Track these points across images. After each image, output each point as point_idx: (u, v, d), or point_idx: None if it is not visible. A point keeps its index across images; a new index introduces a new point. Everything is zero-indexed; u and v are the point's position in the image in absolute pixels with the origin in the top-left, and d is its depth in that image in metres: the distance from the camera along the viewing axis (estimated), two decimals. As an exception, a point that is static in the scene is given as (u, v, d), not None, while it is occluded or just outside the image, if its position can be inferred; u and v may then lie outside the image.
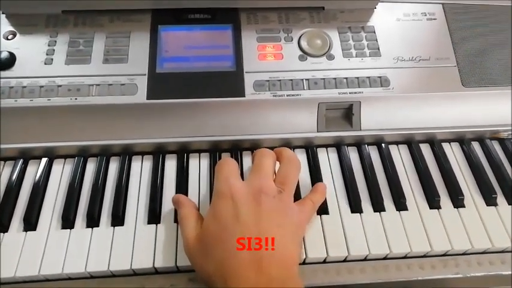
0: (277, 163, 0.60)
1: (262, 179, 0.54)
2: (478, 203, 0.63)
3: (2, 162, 0.65)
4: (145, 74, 0.66)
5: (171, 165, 0.66)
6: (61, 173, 0.64)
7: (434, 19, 0.74)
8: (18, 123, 0.64)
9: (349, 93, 0.67)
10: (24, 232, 0.58)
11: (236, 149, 0.67)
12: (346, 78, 0.68)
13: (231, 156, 0.66)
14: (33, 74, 0.65)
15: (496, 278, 0.58)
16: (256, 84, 0.67)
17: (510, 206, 0.63)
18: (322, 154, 0.68)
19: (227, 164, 0.57)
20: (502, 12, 0.75)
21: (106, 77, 0.66)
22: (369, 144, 0.69)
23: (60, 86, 0.65)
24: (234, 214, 0.50)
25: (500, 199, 0.64)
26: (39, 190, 0.62)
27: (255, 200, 0.51)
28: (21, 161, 0.64)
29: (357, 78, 0.68)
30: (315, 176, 0.64)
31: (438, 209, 0.62)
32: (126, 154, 0.66)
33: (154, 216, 0.59)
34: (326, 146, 0.69)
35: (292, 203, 0.55)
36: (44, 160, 0.65)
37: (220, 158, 0.66)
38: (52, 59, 0.66)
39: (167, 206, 0.61)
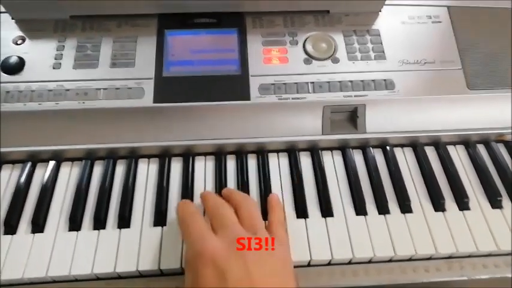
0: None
1: (234, 230, 0.51)
2: (484, 206, 0.63)
3: (11, 165, 0.66)
4: (152, 78, 0.67)
5: (176, 168, 0.66)
6: (68, 175, 0.65)
7: (439, 22, 0.74)
8: (27, 127, 0.65)
9: (354, 96, 0.67)
10: (32, 234, 0.58)
11: (241, 152, 0.67)
12: (351, 81, 0.68)
13: (236, 160, 0.67)
14: (41, 78, 0.66)
15: (501, 281, 0.58)
16: (262, 88, 0.67)
17: (516, 208, 0.63)
18: (327, 157, 0.68)
19: (191, 216, 0.54)
20: (507, 15, 0.75)
21: (113, 81, 0.66)
22: (374, 147, 0.69)
23: (68, 90, 0.65)
24: (222, 278, 0.45)
25: (506, 202, 0.63)
26: (47, 193, 0.62)
27: (237, 254, 0.47)
28: (29, 164, 0.65)
29: (362, 81, 0.68)
30: (320, 178, 0.65)
31: (443, 212, 0.62)
32: (133, 157, 0.66)
33: (160, 218, 0.60)
34: (331, 148, 0.69)
35: (270, 239, 0.51)
36: (52, 163, 0.65)
37: (225, 161, 0.67)
38: (60, 64, 0.67)
39: (173, 208, 0.61)
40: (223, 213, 0.54)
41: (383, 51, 0.71)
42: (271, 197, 0.61)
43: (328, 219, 0.60)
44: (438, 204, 0.62)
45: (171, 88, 0.67)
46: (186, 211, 0.55)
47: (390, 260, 0.58)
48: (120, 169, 0.66)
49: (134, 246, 0.57)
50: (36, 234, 0.58)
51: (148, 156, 0.67)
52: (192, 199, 0.62)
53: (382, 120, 0.68)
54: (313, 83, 0.68)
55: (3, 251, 0.57)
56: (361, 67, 0.69)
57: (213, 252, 0.47)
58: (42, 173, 0.65)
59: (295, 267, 0.55)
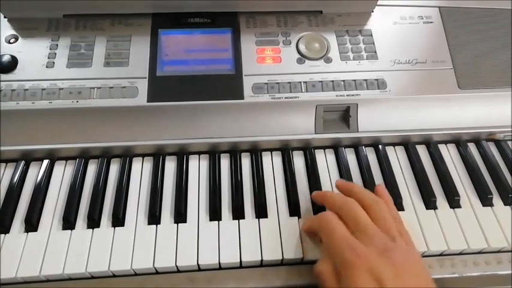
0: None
1: (378, 237, 0.50)
2: (474, 204, 0.64)
3: (4, 164, 0.66)
4: (145, 77, 0.67)
5: (170, 166, 0.66)
6: (62, 174, 0.65)
7: (431, 22, 0.75)
8: (20, 126, 0.64)
9: (347, 95, 0.68)
10: (26, 233, 0.58)
11: (235, 151, 0.68)
12: (343, 80, 0.69)
13: (230, 159, 0.67)
14: (35, 77, 0.66)
15: (492, 278, 0.59)
16: (255, 87, 0.67)
17: (506, 206, 0.64)
18: (319, 155, 0.69)
19: (331, 223, 0.52)
20: (498, 15, 0.76)
21: (107, 80, 0.66)
22: (366, 145, 0.70)
23: (62, 88, 0.65)
24: (380, 283, 0.46)
25: (496, 200, 0.64)
26: (40, 191, 0.62)
27: (387, 260, 0.47)
28: (22, 162, 0.65)
29: (354, 80, 0.69)
30: (313, 177, 0.65)
31: (435, 210, 0.63)
32: (127, 156, 0.66)
33: (154, 216, 0.60)
34: (324, 147, 0.70)
35: (404, 244, 0.51)
36: (46, 162, 0.65)
37: (219, 160, 0.67)
38: (54, 62, 0.67)
39: (167, 207, 0.62)
40: (358, 216, 0.53)
41: (375, 51, 0.72)
42: (381, 192, 0.59)
43: (321, 217, 0.61)
44: (429, 202, 0.63)
45: (165, 87, 0.67)
46: (324, 218, 0.54)
47: (382, 258, 0.59)
48: (114, 168, 0.66)
49: (128, 245, 0.57)
50: (29, 233, 0.58)
51: (143, 155, 0.67)
52: (185, 198, 0.62)
53: (374, 119, 0.69)
54: (306, 82, 0.68)
55: (-3, 250, 0.56)
56: (354, 67, 0.70)
57: (367, 262, 0.47)
58: (36, 172, 0.65)
59: (293, 264, 0.57)
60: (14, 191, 0.62)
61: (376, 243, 0.49)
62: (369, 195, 0.56)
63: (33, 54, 0.68)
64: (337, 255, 0.49)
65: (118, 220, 0.60)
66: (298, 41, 0.72)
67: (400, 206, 0.63)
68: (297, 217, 0.61)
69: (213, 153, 0.67)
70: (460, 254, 0.60)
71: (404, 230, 0.54)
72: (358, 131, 0.68)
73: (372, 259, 0.47)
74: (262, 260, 0.57)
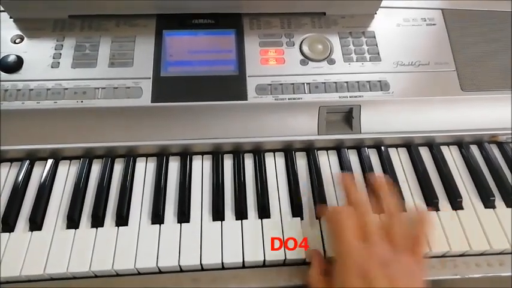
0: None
1: (382, 248, 0.51)
2: (477, 206, 0.64)
3: (9, 163, 0.66)
4: (150, 78, 0.67)
5: (174, 166, 0.67)
6: (66, 174, 0.65)
7: (433, 24, 0.75)
8: (25, 125, 0.65)
9: (350, 97, 0.68)
10: (30, 232, 0.59)
11: (238, 152, 0.68)
12: (346, 82, 0.69)
13: (233, 159, 0.68)
14: (40, 77, 0.66)
15: (494, 280, 0.59)
16: (259, 88, 0.68)
17: (508, 208, 0.64)
18: (322, 157, 0.69)
19: (345, 221, 0.53)
20: (501, 18, 0.76)
21: (111, 81, 0.67)
22: (369, 147, 0.70)
23: (67, 89, 0.66)
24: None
25: (499, 202, 0.64)
26: (45, 191, 0.63)
27: (385, 269, 0.48)
28: (27, 162, 0.66)
29: (357, 82, 0.69)
30: (315, 178, 0.65)
31: (437, 211, 0.63)
32: (131, 156, 0.67)
33: (158, 216, 0.60)
34: (326, 148, 0.70)
35: (407, 259, 0.51)
36: (50, 161, 0.66)
37: (223, 160, 0.67)
38: (59, 63, 0.68)
39: (171, 206, 0.62)
40: (370, 223, 0.53)
41: (378, 53, 0.72)
42: (423, 211, 0.60)
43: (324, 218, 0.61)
44: (432, 204, 0.63)
45: (169, 88, 0.67)
46: (341, 213, 0.54)
47: (385, 259, 0.59)
48: (118, 168, 0.66)
49: (132, 244, 0.58)
50: (34, 232, 0.59)
51: (146, 155, 0.68)
52: (189, 198, 0.63)
53: (377, 120, 0.69)
54: (309, 83, 0.69)
55: (1, 248, 0.57)
56: (357, 68, 0.70)
57: (362, 269, 0.48)
58: (41, 171, 0.65)
59: (296, 264, 0.57)
60: (19, 190, 0.63)
61: (378, 252, 0.50)
62: (392, 203, 0.56)
63: (38, 55, 0.68)
64: (338, 254, 0.52)
65: (122, 219, 0.60)
66: (301, 42, 0.72)
67: (402, 207, 0.63)
68: (299, 218, 0.61)
69: (216, 154, 0.68)
70: (462, 255, 0.60)
71: (420, 249, 0.53)
72: (360, 133, 0.69)
73: (370, 267, 0.48)
74: (264, 260, 0.57)
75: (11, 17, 0.71)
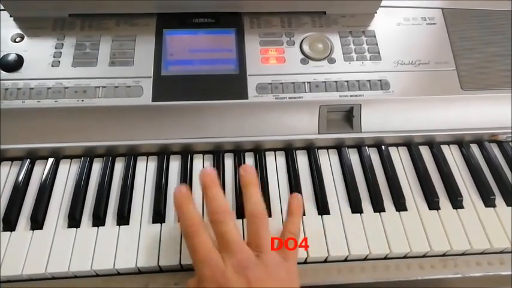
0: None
1: (241, 253, 0.49)
2: (477, 204, 0.64)
3: (9, 162, 0.66)
4: (150, 77, 0.67)
5: (175, 165, 0.67)
6: (67, 173, 0.65)
7: (433, 24, 0.76)
8: (26, 124, 0.65)
9: (350, 96, 0.68)
10: (31, 231, 0.59)
11: (239, 151, 0.68)
12: (347, 81, 0.69)
13: (234, 158, 0.68)
14: (40, 76, 0.66)
15: (494, 278, 0.59)
16: (259, 87, 0.68)
17: (508, 207, 0.64)
18: (323, 156, 0.69)
19: (196, 232, 0.50)
20: (501, 17, 0.76)
21: (112, 79, 0.67)
22: (369, 146, 0.70)
23: (67, 87, 0.66)
24: None
25: (499, 200, 0.65)
26: (45, 190, 0.63)
27: (242, 279, 0.47)
28: (28, 161, 0.66)
29: (358, 81, 0.69)
30: (316, 177, 0.65)
31: (437, 210, 0.63)
32: (132, 155, 0.67)
33: (159, 215, 0.60)
34: (327, 147, 0.70)
35: (275, 259, 0.50)
36: (51, 160, 0.66)
37: (223, 159, 0.67)
38: (59, 62, 0.68)
39: (171, 205, 0.62)
40: (227, 232, 0.51)
41: (378, 52, 0.72)
42: (292, 201, 0.58)
43: (325, 216, 0.61)
44: (432, 203, 0.63)
45: (170, 87, 0.67)
46: (189, 223, 0.51)
47: (385, 258, 0.59)
48: (119, 167, 0.66)
49: (133, 243, 0.58)
50: (35, 230, 0.59)
51: (147, 154, 0.68)
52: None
53: (377, 119, 0.69)
54: (309, 82, 0.69)
55: (3, 247, 0.57)
56: (357, 67, 0.70)
57: (218, 280, 0.47)
58: (41, 170, 0.65)
59: (298, 263, 0.56)
60: (20, 189, 0.63)
61: (237, 259, 0.49)
62: (252, 204, 0.54)
63: (38, 53, 0.68)
64: (195, 265, 0.50)
65: (123, 218, 0.60)
66: (302, 41, 0.72)
67: (403, 207, 0.63)
68: (300, 217, 0.61)
69: (217, 153, 0.68)
70: (463, 254, 0.60)
71: (290, 244, 0.53)
72: (361, 132, 0.69)
73: (225, 277, 0.47)
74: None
75: (11, 16, 0.71)
